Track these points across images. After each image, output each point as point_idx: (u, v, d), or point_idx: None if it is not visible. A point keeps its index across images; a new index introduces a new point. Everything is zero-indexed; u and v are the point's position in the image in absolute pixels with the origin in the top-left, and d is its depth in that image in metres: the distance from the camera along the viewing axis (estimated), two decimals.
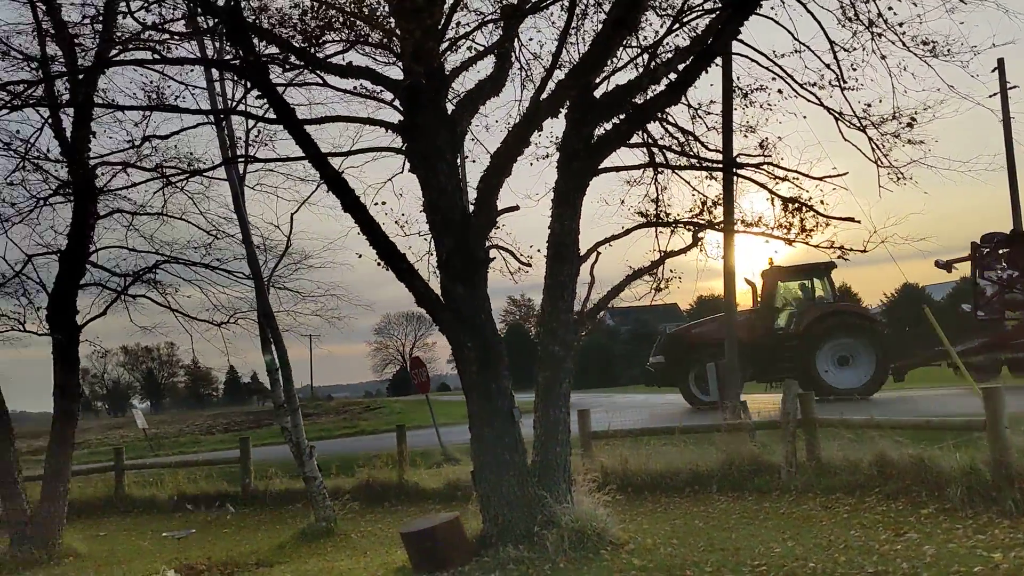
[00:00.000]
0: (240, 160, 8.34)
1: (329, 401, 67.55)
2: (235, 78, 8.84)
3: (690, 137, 11.30)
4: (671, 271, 10.33)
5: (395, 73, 8.19)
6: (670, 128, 11.07)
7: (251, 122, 10.37)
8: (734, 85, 11.85)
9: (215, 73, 10.15)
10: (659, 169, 10.63)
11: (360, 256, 8.17)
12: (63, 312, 11.19)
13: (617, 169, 9.34)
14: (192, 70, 10.27)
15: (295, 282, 12.30)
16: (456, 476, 12.52)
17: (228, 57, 8.67)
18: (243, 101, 9.68)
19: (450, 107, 8.14)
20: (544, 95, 7.41)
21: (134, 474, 15.70)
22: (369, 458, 13.60)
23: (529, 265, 9.41)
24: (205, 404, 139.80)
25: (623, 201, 12.05)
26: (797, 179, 9.95)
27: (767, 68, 11.63)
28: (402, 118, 7.87)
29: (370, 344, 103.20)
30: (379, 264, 7.69)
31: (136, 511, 14.47)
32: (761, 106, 10.54)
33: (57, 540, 10.83)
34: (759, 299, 22.50)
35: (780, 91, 10.90)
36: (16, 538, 10.70)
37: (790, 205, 9.83)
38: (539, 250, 8.95)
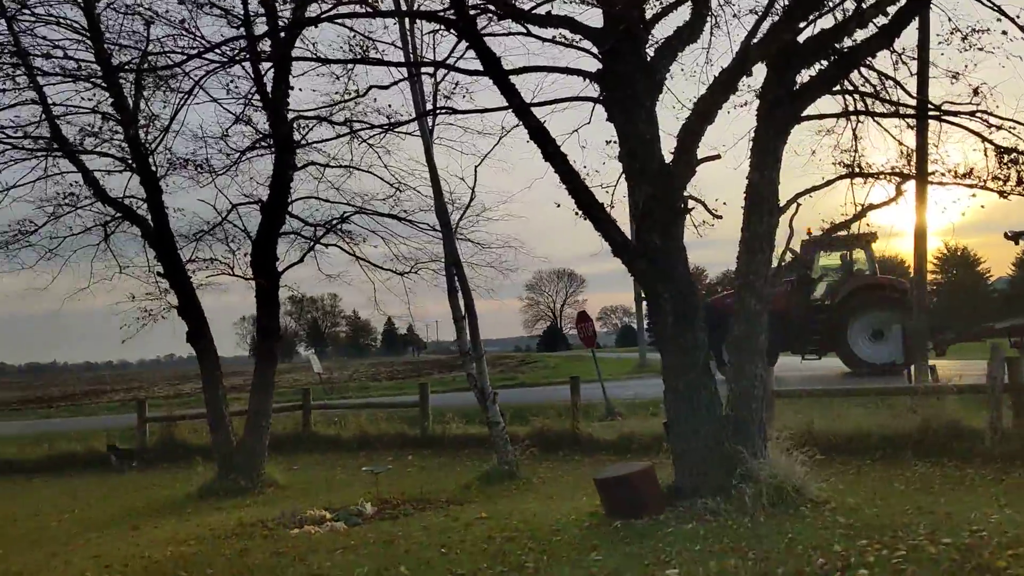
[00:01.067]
0: (441, 112, 8.55)
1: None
2: (438, 31, 9.01)
3: (890, 82, 10.66)
4: (867, 224, 9.90)
5: (594, 20, 8.12)
6: (869, 73, 10.49)
7: (440, 76, 10.62)
8: (953, 27, 11.06)
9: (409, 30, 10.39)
10: (858, 117, 10.12)
11: (559, 206, 8.22)
12: (265, 259, 11.90)
13: (819, 117, 8.96)
14: (385, 26, 10.58)
15: (474, 234, 12.54)
16: (630, 429, 12.60)
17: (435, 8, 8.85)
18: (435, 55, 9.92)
19: (648, 54, 8.01)
20: (755, 39, 7.18)
21: (319, 414, 16.62)
22: (542, 408, 13.86)
23: (720, 217, 9.21)
24: (364, 353, 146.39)
25: (814, 152, 11.56)
26: (1014, 128, 9.25)
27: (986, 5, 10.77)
28: (600, 66, 7.81)
29: (521, 299, 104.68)
30: (577, 214, 7.73)
31: (322, 448, 15.36)
32: (982, 49, 9.77)
33: (260, 471, 11.65)
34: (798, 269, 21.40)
35: (1005, 32, 10.08)
36: (224, 468, 11.57)
37: (1006, 156, 9.17)
38: (724, 202, 8.78)
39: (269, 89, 11.78)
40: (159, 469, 14.82)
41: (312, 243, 12.33)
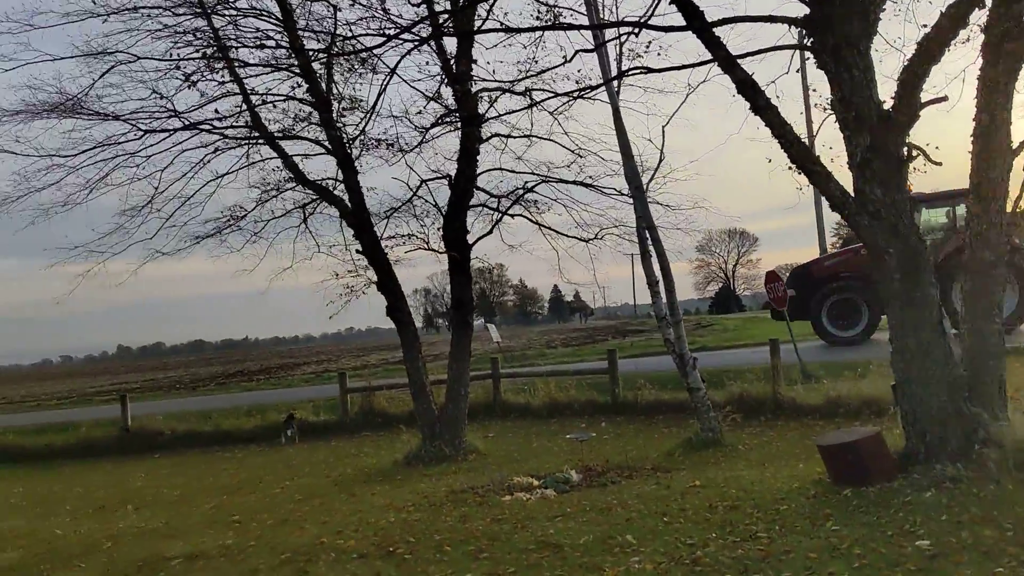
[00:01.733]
0: (635, 72, 8.32)
1: (650, 318, 68.34)
2: None
3: None
4: None
5: None
6: None
7: (624, 39, 10.39)
8: None
9: None
10: None
11: (770, 161, 7.86)
12: (456, 232, 12.12)
13: None
14: None
15: (661, 195, 12.26)
16: (836, 392, 12.04)
17: None
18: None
19: None
20: None
21: (508, 382, 16.90)
22: (737, 373, 13.48)
23: (940, 164, 8.53)
24: (531, 321, 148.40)
25: None
26: None
27: None
28: (808, 11, 7.35)
29: (691, 262, 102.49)
30: (790, 168, 7.36)
31: (512, 416, 15.62)
32: None
33: (461, 439, 11.95)
34: None
35: None
36: (428, 436, 11.95)
37: None
38: (936, 147, 8.12)
39: (453, 64, 11.94)
40: (361, 438, 15.54)
41: (500, 214, 12.43)
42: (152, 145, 12.78)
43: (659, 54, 9.46)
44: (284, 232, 13.64)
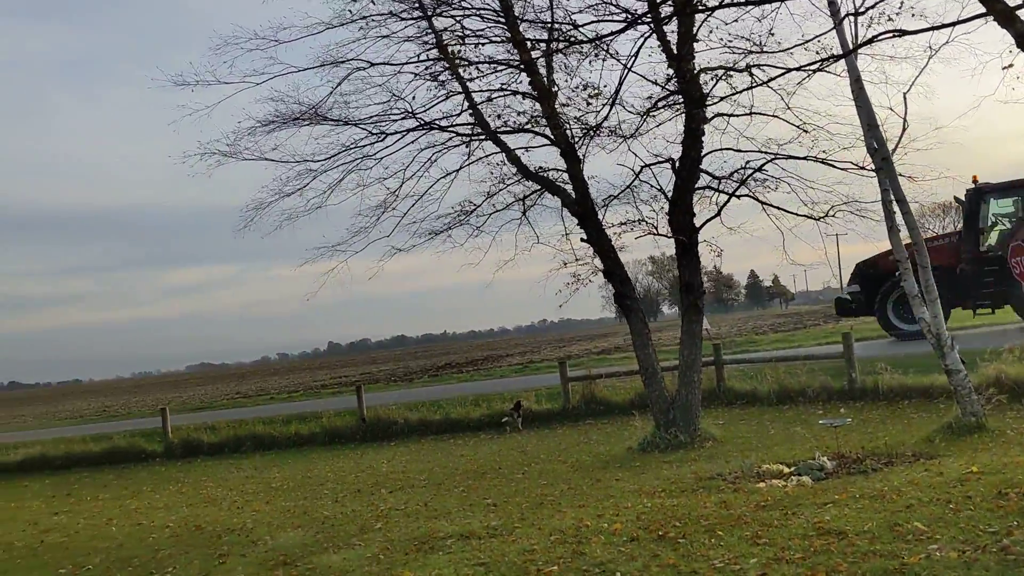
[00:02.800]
0: (886, 36, 7.85)
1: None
2: None
3: None
4: None
5: None
6: None
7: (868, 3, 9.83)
8: None
9: None
10: None
11: None
12: (682, 215, 11.97)
13: None
14: None
15: (901, 166, 11.53)
16: None
17: None
18: None
19: None
20: None
21: (731, 369, 16.54)
22: (998, 352, 12.50)
23: None
24: (728, 308, 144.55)
25: None
26: None
27: None
28: None
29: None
30: None
31: (739, 403, 15.27)
32: None
33: (696, 425, 11.80)
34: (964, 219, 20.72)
35: None
36: (662, 422, 11.89)
37: None
38: None
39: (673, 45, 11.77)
40: (586, 426, 15.70)
41: (728, 196, 12.13)
42: (386, 147, 13.49)
43: (913, 15, 8.86)
44: (505, 225, 14.03)
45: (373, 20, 12.77)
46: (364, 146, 13.13)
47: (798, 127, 12.25)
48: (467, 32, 13.02)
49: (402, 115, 13.21)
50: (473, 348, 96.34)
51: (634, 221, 12.44)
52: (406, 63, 13.19)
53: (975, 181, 20.12)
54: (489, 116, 13.13)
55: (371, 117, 12.86)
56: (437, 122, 13.44)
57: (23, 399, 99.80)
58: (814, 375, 14.80)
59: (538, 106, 12.77)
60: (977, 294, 20.06)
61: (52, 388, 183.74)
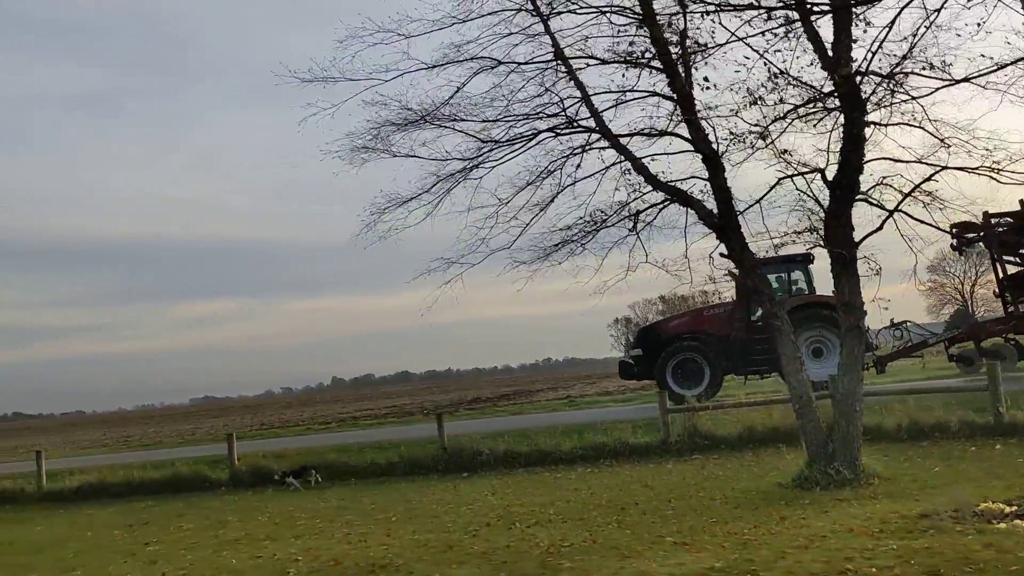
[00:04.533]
0: None
1: None
2: None
3: None
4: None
5: None
6: None
7: None
8: None
9: None
10: None
11: None
12: (840, 228, 11.00)
13: None
14: None
15: None
16: None
17: None
18: None
19: None
20: None
21: None
22: None
23: None
24: None
25: None
26: None
27: None
28: None
29: (922, 283, 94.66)
30: None
31: (865, 437, 14.14)
32: None
33: (859, 459, 10.72)
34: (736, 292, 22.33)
35: None
36: (818, 456, 10.80)
37: None
38: None
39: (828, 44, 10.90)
40: (692, 460, 14.59)
41: (889, 211, 11.14)
42: (497, 156, 12.59)
43: None
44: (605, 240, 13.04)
45: (495, 16, 11.98)
46: (478, 154, 12.22)
47: (942, 140, 11.38)
48: (589, 35, 12.21)
49: (518, 119, 12.32)
50: (489, 384, 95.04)
51: (793, 232, 11.44)
52: (523, 63, 12.36)
53: None
54: (611, 122, 12.26)
55: (497, 119, 11.92)
56: (554, 128, 12.56)
57: (34, 428, 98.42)
58: (951, 409, 13.72)
59: (663, 109, 11.95)
60: (748, 362, 22.06)
61: (56, 419, 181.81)
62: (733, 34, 10.89)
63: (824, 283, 22.56)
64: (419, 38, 11.51)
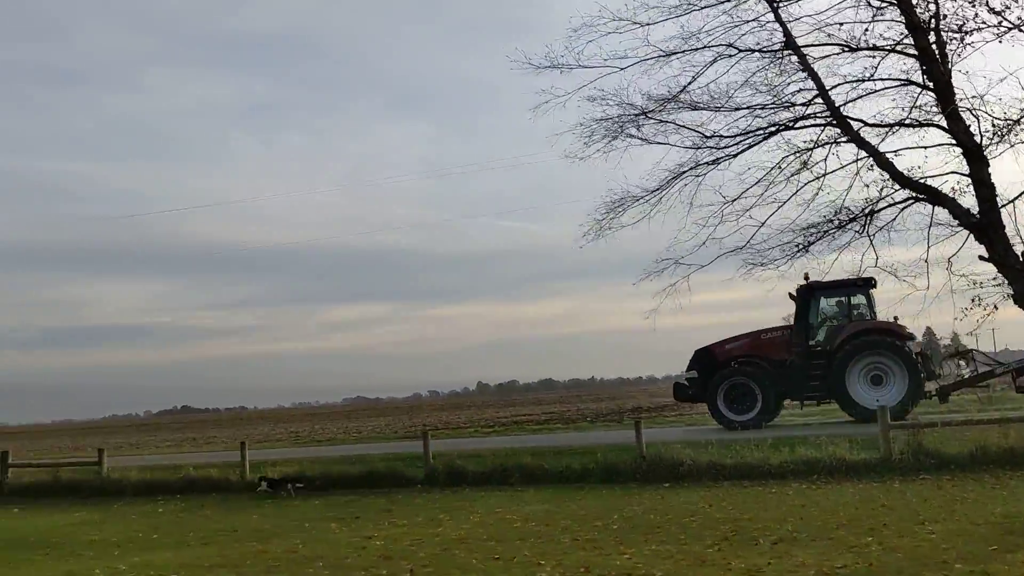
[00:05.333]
0: None
1: None
2: None
3: None
4: None
5: None
6: None
7: None
8: None
9: None
10: None
11: None
12: None
13: None
14: None
15: None
16: None
17: None
18: None
19: None
20: None
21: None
22: None
23: None
24: None
25: None
26: None
27: None
28: None
29: None
30: None
31: None
32: None
33: None
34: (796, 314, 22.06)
35: None
36: None
37: None
38: None
39: None
40: (921, 481, 13.44)
41: None
42: (724, 151, 12.01)
43: None
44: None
45: (725, 4, 11.44)
46: (712, 146, 11.66)
47: None
48: (826, 22, 11.46)
49: (752, 110, 11.70)
50: (638, 393, 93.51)
51: None
52: (754, 50, 11.75)
53: (806, 279, 20.90)
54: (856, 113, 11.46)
55: (729, 111, 11.35)
56: (787, 123, 11.86)
57: (206, 422, 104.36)
58: None
59: (909, 99, 11.03)
60: (804, 387, 21.69)
61: (220, 413, 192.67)
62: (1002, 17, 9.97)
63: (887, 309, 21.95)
64: (651, 27, 11.09)
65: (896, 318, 20.82)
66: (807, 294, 21.99)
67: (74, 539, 12.74)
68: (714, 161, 11.74)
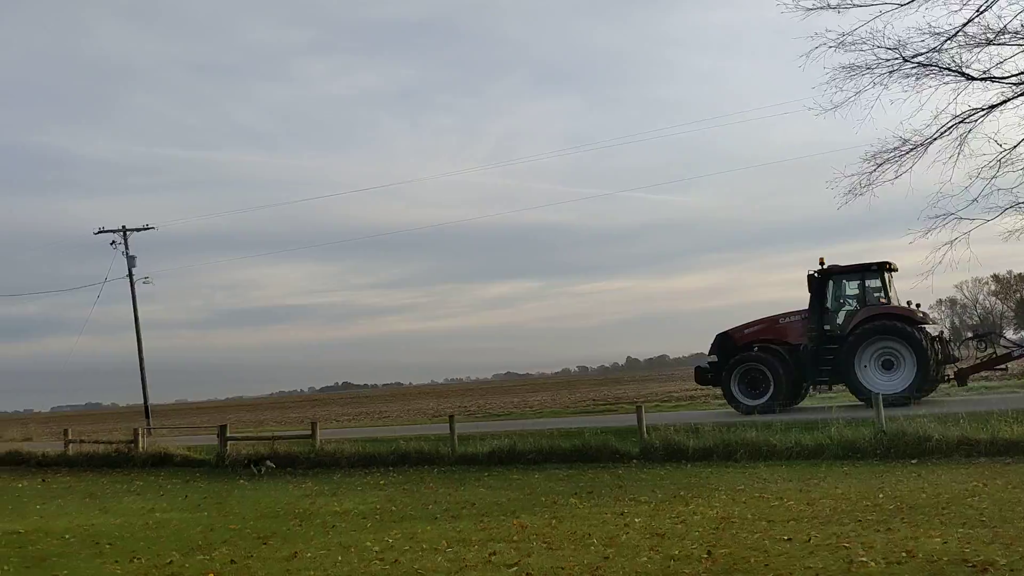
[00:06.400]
0: None
1: None
2: None
3: None
4: None
5: None
6: None
7: None
8: None
9: None
10: None
11: None
12: None
13: None
14: None
15: None
16: None
17: None
18: None
19: None
20: None
21: None
22: None
23: None
24: None
25: None
26: None
27: None
28: None
29: None
30: None
31: None
32: None
33: None
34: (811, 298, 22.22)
35: None
36: None
37: None
38: None
39: None
40: None
41: None
42: None
43: None
44: None
45: None
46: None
47: None
48: None
49: None
50: None
51: None
52: None
53: (822, 263, 21.99)
54: None
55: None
56: None
57: (371, 397, 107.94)
58: None
59: None
60: (816, 371, 21.83)
61: (379, 389, 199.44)
62: None
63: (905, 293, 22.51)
64: None
65: (910, 302, 21.83)
66: (823, 278, 22.29)
67: (318, 511, 12.95)
68: (990, 108, 10.55)
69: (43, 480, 20.35)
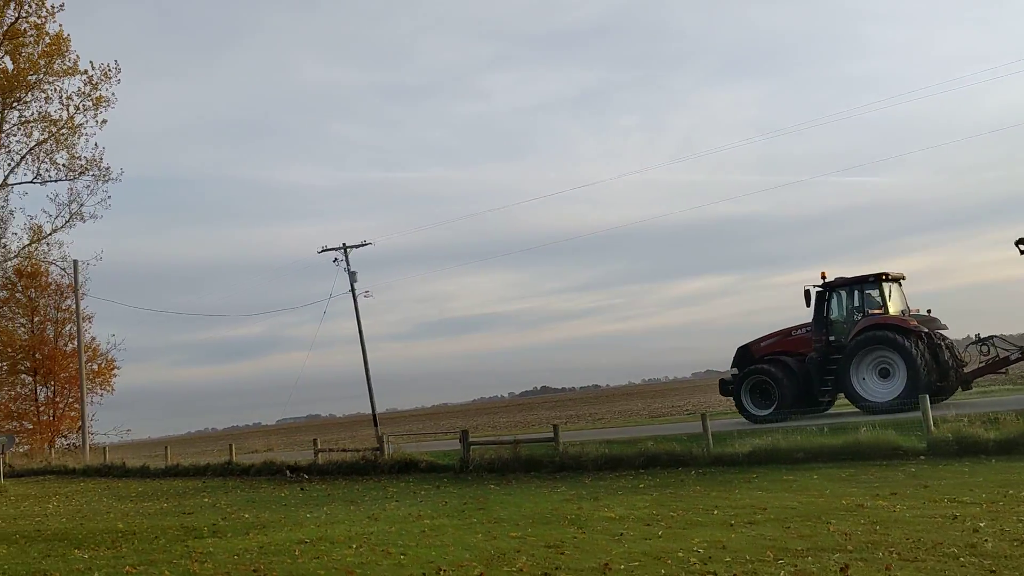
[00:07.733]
0: None
1: None
2: None
3: None
4: None
5: None
6: None
7: None
8: None
9: None
10: None
11: None
12: None
13: None
14: None
15: None
16: None
17: None
18: None
19: None
20: None
21: None
22: None
23: None
24: None
25: None
26: None
27: None
28: None
29: None
30: None
31: None
32: None
33: None
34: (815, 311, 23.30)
35: None
36: None
37: None
38: None
39: None
40: None
41: None
42: None
43: None
44: None
45: None
46: None
47: None
48: None
49: None
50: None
51: None
52: None
53: (823, 276, 23.27)
54: None
55: None
56: None
57: (575, 400, 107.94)
58: None
59: None
60: (821, 381, 22.55)
61: (576, 392, 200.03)
62: None
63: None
64: None
65: (919, 310, 22.60)
66: (824, 291, 23.32)
67: (589, 517, 12.32)
68: None
69: (301, 489, 21.11)
